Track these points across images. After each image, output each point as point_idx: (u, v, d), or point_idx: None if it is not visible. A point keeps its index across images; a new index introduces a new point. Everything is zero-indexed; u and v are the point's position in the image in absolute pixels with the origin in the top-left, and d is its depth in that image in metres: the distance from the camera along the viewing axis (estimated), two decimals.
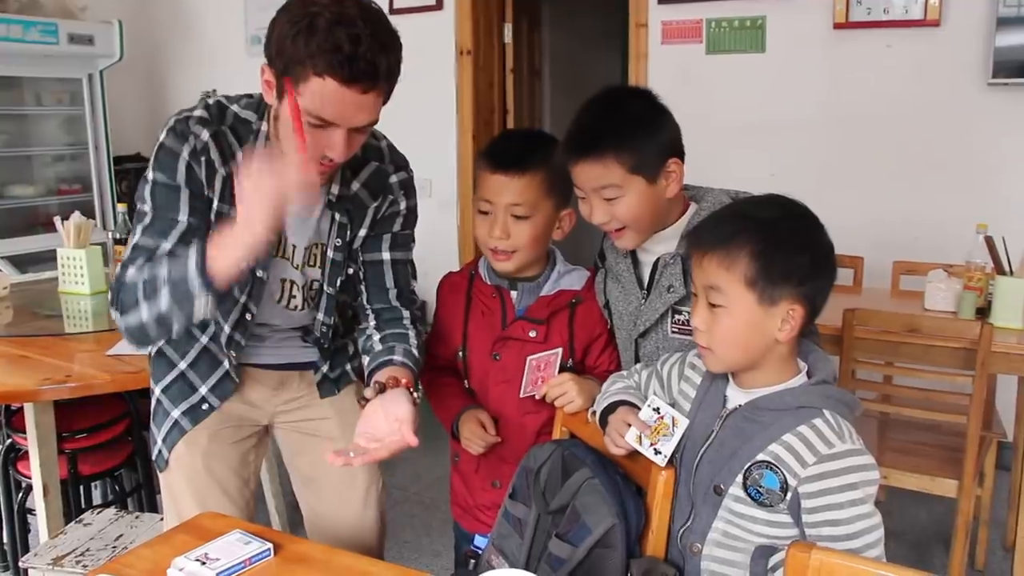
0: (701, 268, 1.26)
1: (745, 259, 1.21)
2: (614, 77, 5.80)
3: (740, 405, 1.28)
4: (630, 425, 1.33)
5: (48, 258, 3.28)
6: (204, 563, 1.16)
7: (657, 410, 1.32)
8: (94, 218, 4.73)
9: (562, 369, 1.63)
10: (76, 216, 2.83)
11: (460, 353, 1.70)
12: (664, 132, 1.48)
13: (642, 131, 1.45)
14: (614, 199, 1.45)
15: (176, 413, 1.60)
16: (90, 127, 4.82)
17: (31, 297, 2.81)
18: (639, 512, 1.31)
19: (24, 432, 2.25)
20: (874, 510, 1.19)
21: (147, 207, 1.44)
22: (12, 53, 4.27)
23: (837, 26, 3.52)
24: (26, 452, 2.34)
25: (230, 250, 1.29)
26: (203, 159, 1.42)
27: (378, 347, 1.59)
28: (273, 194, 1.24)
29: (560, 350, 1.64)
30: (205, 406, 1.61)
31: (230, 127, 1.46)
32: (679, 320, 1.53)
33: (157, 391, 1.63)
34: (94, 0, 4.91)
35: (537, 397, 1.60)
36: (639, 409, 1.35)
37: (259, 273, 1.51)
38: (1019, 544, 2.40)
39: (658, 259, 1.54)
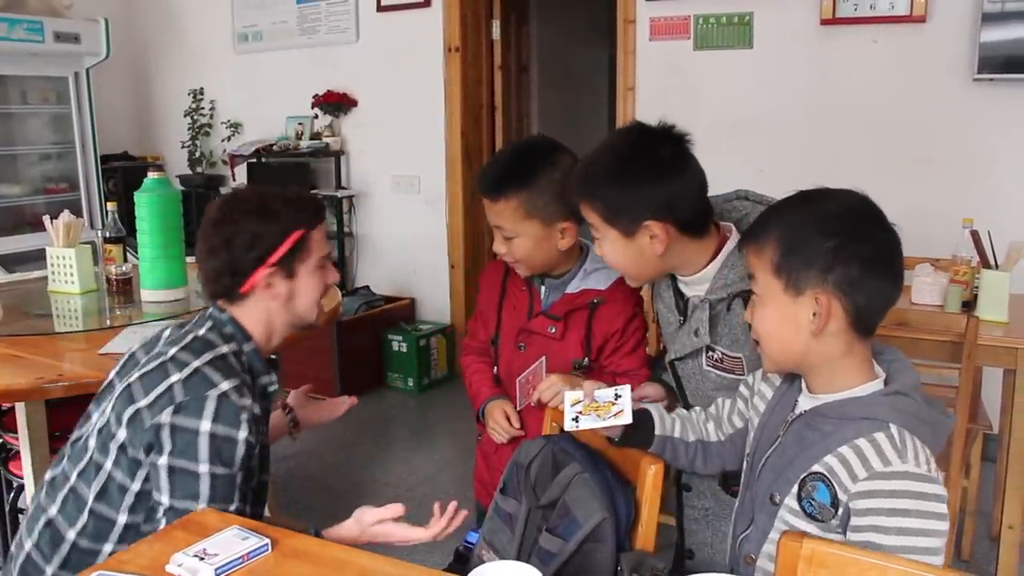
0: (747, 259, 1.24)
1: (772, 244, 1.17)
2: (602, 73, 5.81)
3: (805, 411, 1.22)
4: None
5: (36, 257, 3.26)
6: (203, 558, 1.16)
7: (617, 397, 1.31)
8: (82, 217, 4.70)
9: (577, 367, 1.66)
10: (65, 215, 2.81)
11: (493, 340, 1.79)
12: (644, 189, 1.45)
13: (621, 187, 1.44)
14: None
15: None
16: (77, 126, 4.78)
17: (20, 296, 2.80)
18: (629, 506, 1.32)
19: (15, 432, 2.24)
20: (932, 546, 1.06)
21: (203, 500, 1.35)
22: None
23: (824, 22, 3.54)
24: (17, 452, 2.33)
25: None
26: (255, 426, 1.41)
27: None
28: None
29: (544, 358, 1.70)
30: None
31: (248, 369, 1.50)
32: (712, 357, 1.52)
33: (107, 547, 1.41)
34: None
35: (533, 404, 1.62)
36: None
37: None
38: (1004, 535, 2.42)
39: (688, 299, 1.54)
